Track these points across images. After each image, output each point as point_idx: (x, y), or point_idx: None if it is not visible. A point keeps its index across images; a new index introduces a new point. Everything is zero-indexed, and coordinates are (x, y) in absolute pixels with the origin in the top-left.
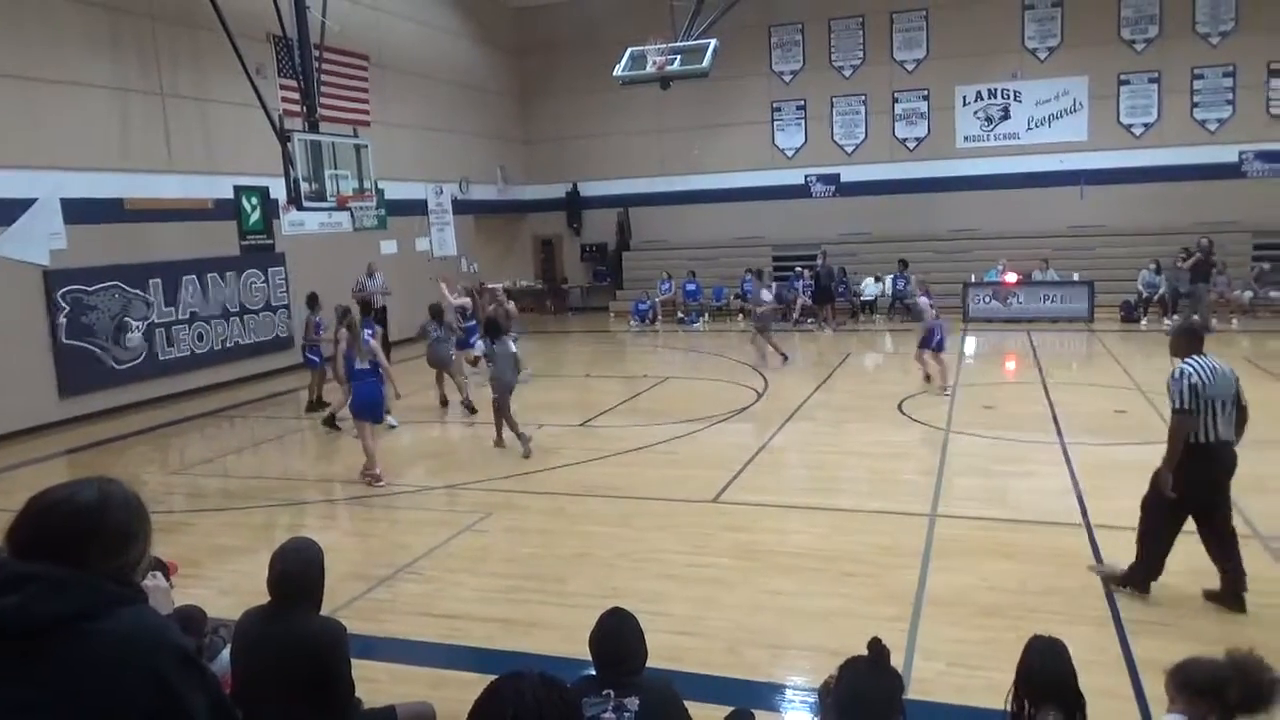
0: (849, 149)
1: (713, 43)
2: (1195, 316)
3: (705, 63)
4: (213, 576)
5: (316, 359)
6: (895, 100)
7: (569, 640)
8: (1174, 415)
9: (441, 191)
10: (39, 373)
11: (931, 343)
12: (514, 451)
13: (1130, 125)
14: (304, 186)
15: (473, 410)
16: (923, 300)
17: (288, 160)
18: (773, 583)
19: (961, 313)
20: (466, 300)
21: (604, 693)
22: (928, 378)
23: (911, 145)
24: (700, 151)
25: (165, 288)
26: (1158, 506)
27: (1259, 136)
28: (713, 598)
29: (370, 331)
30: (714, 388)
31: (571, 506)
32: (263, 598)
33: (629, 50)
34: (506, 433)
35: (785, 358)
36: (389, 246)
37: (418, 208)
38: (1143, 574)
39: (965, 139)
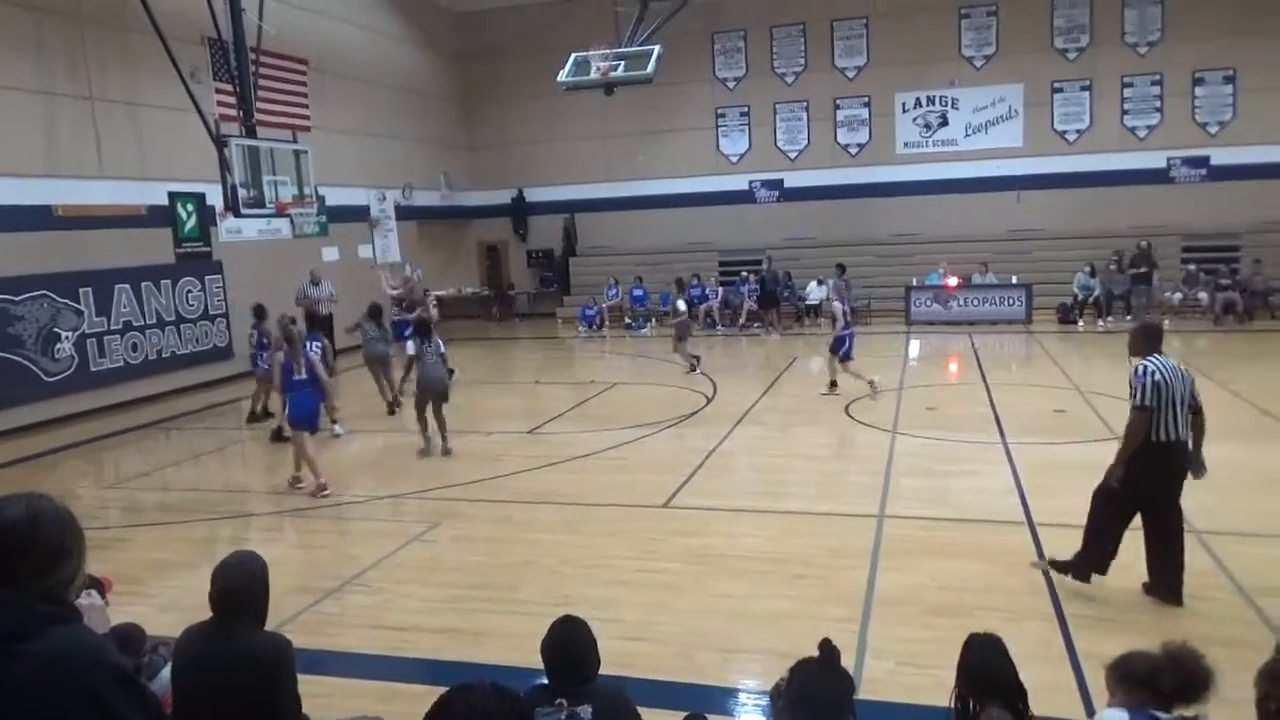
0: (792, 155)
1: (657, 49)
2: (1152, 317)
3: (649, 69)
4: (152, 593)
5: (265, 366)
6: (837, 107)
7: (520, 649)
8: (1133, 411)
9: (385, 198)
10: None
11: (840, 350)
12: (463, 459)
13: (1064, 132)
14: (242, 193)
15: (393, 412)
16: (836, 306)
17: (224, 166)
18: (723, 586)
19: (904, 316)
20: (402, 290)
21: (557, 701)
22: (833, 384)
23: (853, 151)
24: (645, 157)
25: (97, 297)
26: (1108, 500)
27: (1186, 143)
28: (663, 603)
29: (318, 345)
30: (662, 393)
31: (520, 514)
32: (204, 614)
33: (573, 56)
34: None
35: (694, 365)
36: (331, 253)
37: (360, 214)
38: (1085, 563)
39: (905, 145)
